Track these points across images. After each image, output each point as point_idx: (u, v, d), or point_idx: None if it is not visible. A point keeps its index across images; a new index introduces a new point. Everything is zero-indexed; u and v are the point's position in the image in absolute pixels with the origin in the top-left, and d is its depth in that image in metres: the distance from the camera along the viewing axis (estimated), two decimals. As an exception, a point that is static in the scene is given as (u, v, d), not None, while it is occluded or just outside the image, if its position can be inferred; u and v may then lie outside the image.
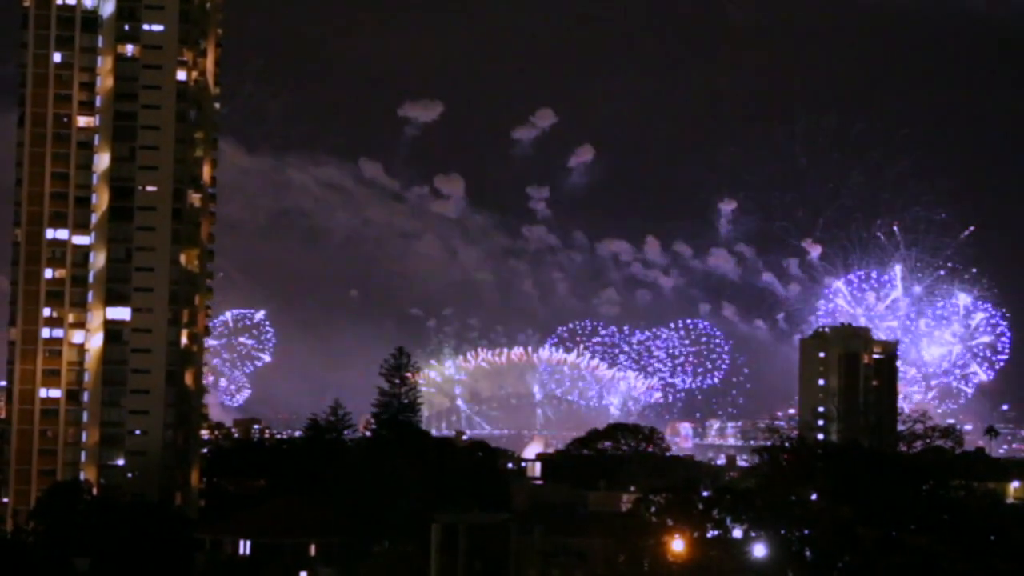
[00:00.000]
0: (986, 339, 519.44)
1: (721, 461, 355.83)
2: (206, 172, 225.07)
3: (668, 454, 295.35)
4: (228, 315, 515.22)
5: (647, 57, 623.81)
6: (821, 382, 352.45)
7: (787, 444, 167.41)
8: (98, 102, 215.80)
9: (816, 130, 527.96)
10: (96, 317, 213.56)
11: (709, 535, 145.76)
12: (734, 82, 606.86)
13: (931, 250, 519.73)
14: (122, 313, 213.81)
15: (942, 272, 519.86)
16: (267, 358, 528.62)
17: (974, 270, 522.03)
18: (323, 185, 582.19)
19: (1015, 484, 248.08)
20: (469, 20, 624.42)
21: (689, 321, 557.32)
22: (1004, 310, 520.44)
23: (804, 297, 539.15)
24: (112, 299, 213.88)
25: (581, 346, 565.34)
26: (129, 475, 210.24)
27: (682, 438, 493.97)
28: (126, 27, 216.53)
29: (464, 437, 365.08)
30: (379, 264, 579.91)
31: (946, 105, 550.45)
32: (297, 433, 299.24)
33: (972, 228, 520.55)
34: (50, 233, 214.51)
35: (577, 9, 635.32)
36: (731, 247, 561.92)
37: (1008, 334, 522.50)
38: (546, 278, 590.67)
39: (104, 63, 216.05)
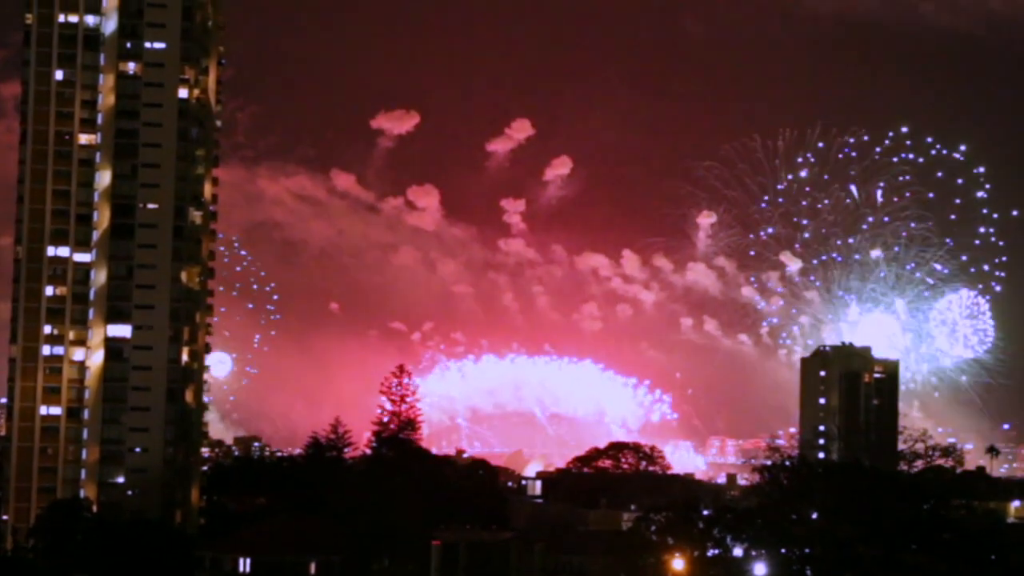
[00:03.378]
0: (973, 355, 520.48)
1: (722, 479, 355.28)
2: (207, 190, 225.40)
3: (668, 472, 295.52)
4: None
5: (624, 69, 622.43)
6: (822, 401, 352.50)
7: (787, 463, 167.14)
8: (99, 120, 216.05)
9: (798, 144, 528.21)
10: (97, 334, 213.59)
11: (710, 554, 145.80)
12: (713, 94, 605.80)
13: (915, 264, 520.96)
14: (123, 331, 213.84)
15: (926, 290, 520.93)
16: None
17: (961, 283, 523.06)
18: (295, 196, 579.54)
19: (1016, 504, 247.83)
20: (444, 30, 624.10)
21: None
22: (995, 321, 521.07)
23: (786, 312, 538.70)
24: (113, 316, 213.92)
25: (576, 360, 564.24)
26: (129, 493, 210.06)
27: (681, 455, 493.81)
28: (128, 45, 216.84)
29: (465, 455, 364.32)
30: (357, 276, 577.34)
31: (929, 116, 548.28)
32: (297, 451, 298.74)
33: (950, 241, 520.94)
34: (51, 250, 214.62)
35: (553, 21, 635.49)
36: (710, 261, 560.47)
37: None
38: (526, 292, 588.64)
39: (106, 81, 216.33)
